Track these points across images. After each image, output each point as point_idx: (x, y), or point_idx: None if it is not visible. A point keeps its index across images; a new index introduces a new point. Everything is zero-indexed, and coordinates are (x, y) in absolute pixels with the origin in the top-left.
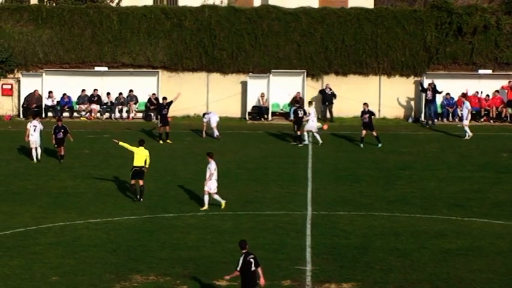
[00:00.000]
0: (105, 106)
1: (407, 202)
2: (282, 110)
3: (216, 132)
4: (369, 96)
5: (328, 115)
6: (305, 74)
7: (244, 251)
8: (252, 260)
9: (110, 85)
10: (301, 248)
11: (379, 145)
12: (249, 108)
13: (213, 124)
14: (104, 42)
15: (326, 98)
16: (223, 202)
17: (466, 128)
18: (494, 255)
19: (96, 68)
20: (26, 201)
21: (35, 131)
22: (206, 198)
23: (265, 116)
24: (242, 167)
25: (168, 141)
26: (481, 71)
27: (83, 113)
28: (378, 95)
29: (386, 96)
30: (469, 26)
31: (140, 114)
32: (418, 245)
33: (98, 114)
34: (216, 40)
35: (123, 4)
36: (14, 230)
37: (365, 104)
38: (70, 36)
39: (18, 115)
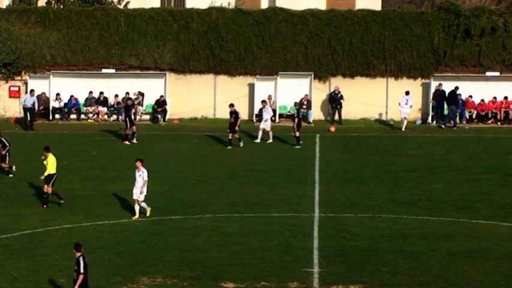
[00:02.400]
0: (112, 108)
1: (415, 204)
2: (289, 112)
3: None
4: (376, 98)
5: (336, 117)
6: (312, 76)
7: (80, 254)
8: (87, 262)
9: (117, 87)
10: (309, 250)
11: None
12: (256, 111)
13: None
14: (111, 44)
15: (335, 101)
16: (136, 216)
17: (405, 122)
18: (502, 258)
19: (104, 70)
20: (34, 203)
21: None
22: (137, 205)
23: (273, 118)
24: (249, 169)
25: (133, 141)
26: (488, 73)
27: (90, 115)
28: (385, 97)
29: (394, 98)
30: (476, 28)
31: (147, 116)
32: (426, 247)
33: (105, 117)
34: (224, 42)
35: (130, 6)
36: (21, 232)
37: (296, 103)
38: (77, 38)
39: (26, 117)
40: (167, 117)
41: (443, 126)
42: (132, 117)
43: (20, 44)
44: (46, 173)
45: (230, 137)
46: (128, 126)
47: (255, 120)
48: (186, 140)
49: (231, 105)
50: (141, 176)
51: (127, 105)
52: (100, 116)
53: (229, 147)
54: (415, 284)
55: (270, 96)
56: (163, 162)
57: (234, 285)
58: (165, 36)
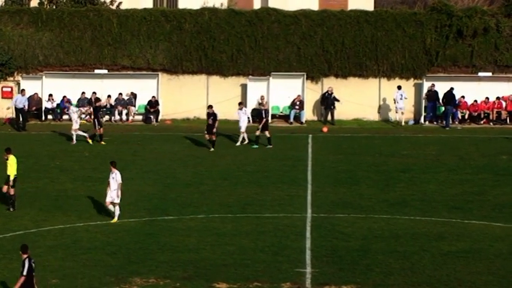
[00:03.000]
0: (105, 109)
1: (407, 204)
2: (282, 112)
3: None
4: (369, 98)
5: (329, 118)
6: (305, 76)
7: (26, 256)
8: (33, 264)
9: (110, 88)
10: (301, 250)
11: (269, 146)
12: (248, 111)
13: (75, 126)
14: (104, 44)
15: (328, 102)
16: (116, 218)
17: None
18: (494, 258)
19: (96, 71)
20: (26, 204)
21: None
22: (112, 208)
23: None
24: (242, 169)
25: (102, 142)
26: (480, 74)
27: (83, 116)
28: (378, 98)
29: (386, 98)
30: (468, 29)
31: (140, 117)
32: (418, 248)
33: None
34: (216, 43)
35: (123, 7)
36: (13, 232)
37: (261, 103)
38: (70, 39)
39: (18, 118)
40: (160, 117)
41: (448, 129)
42: (100, 118)
43: (12, 44)
44: (8, 174)
45: (208, 138)
46: (97, 127)
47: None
48: (179, 141)
49: (210, 106)
50: (115, 178)
51: (96, 107)
52: (92, 117)
53: (212, 148)
54: (408, 284)
55: (262, 96)
56: (155, 163)
57: (226, 286)
58: (157, 36)
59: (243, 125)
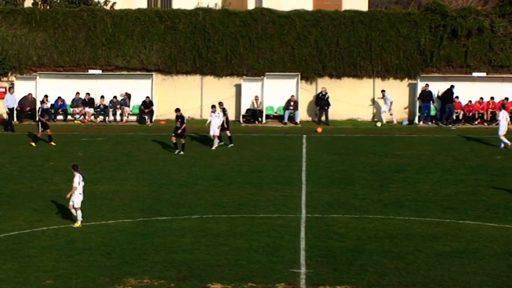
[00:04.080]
0: (99, 109)
1: (402, 205)
2: (276, 112)
3: None
4: (363, 99)
5: (323, 118)
6: (299, 76)
7: None
8: None
9: (104, 88)
10: (296, 250)
11: (230, 145)
12: (243, 111)
13: None
14: (98, 45)
15: (322, 102)
16: (78, 222)
17: (383, 116)
18: (489, 258)
19: (90, 71)
20: (20, 204)
21: None
22: (74, 212)
23: (260, 119)
24: (236, 170)
25: (52, 143)
26: (475, 74)
27: (77, 116)
28: (372, 98)
29: (381, 99)
30: (463, 29)
31: (134, 117)
32: (413, 248)
33: (92, 118)
34: (210, 43)
35: (116, 7)
36: (8, 233)
37: (220, 103)
38: (64, 39)
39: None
40: (154, 118)
41: (451, 127)
42: (44, 119)
43: (6, 45)
44: None
45: (175, 141)
46: (40, 129)
47: (242, 122)
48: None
49: (177, 109)
50: (74, 181)
51: (42, 108)
52: (87, 117)
53: (178, 150)
54: (402, 284)
55: (256, 97)
56: (150, 163)
57: (221, 286)
58: (151, 37)
59: (214, 128)
